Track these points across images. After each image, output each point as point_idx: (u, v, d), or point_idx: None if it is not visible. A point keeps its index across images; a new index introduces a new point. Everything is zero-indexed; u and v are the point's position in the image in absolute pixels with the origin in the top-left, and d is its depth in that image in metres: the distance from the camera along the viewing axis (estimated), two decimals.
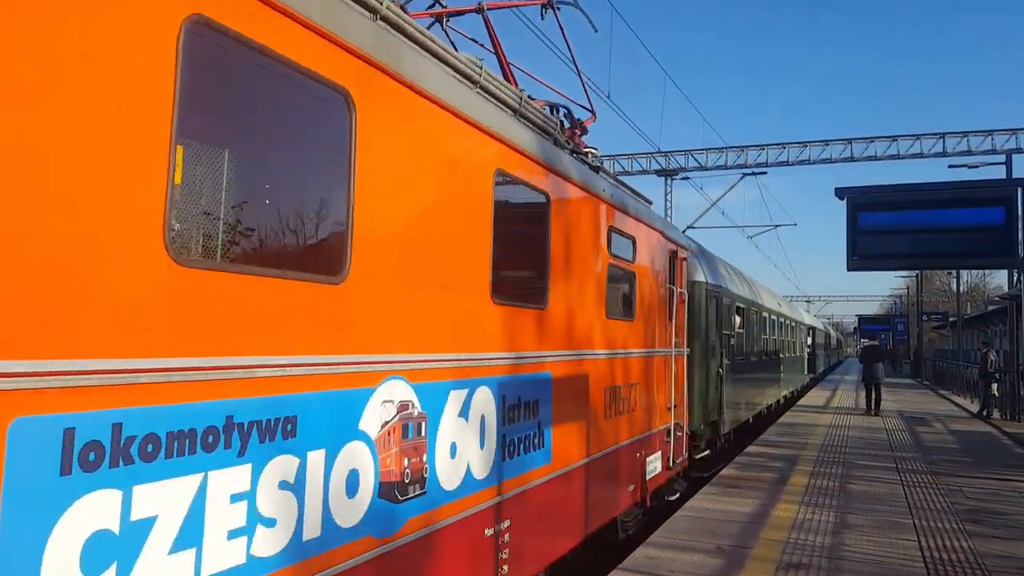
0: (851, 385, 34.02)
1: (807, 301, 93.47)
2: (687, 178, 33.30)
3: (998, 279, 67.15)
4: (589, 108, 7.94)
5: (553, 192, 5.75)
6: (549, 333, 5.63)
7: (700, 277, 11.90)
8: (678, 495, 9.93)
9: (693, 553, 6.66)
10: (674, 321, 9.29)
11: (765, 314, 19.33)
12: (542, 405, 5.51)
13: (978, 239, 9.07)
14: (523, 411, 5.20)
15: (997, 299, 40.76)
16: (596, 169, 7.26)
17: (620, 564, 6.38)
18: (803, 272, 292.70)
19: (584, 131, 7.53)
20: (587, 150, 7.35)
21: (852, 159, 31.22)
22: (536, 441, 5.41)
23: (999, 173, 24.34)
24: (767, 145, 32.47)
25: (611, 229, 7.08)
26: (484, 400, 4.66)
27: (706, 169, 33.67)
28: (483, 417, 4.66)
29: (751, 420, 16.55)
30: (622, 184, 8.41)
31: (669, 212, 34.96)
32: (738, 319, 14.91)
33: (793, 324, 26.81)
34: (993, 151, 28.79)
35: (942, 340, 64.04)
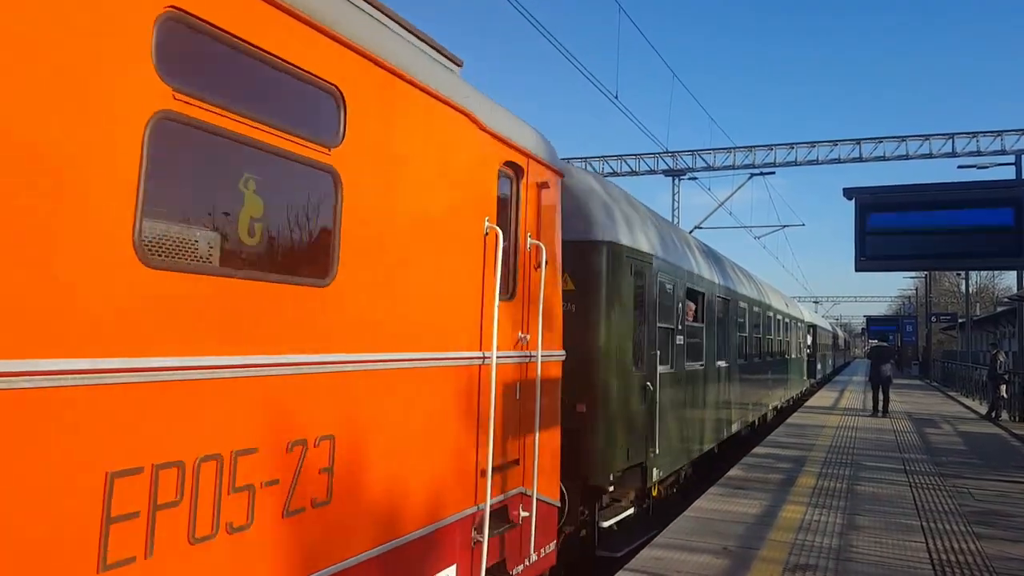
0: (859, 387, 33.91)
1: (815, 301, 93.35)
2: (695, 178, 33.28)
3: (1007, 280, 66.97)
4: None
5: None
6: None
7: (613, 236, 7.61)
8: None
9: (699, 554, 6.66)
10: (515, 296, 5.26)
11: (744, 304, 14.81)
12: None
13: (987, 240, 9.02)
14: None
15: (1006, 300, 40.58)
16: None
17: (626, 565, 6.39)
18: (811, 273, 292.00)
19: None
20: None
21: (861, 159, 31.12)
22: None
23: (1008, 174, 24.29)
24: (775, 145, 32.42)
25: (193, 24, 2.71)
26: None
27: (714, 169, 33.63)
28: None
29: (715, 450, 12.36)
30: None
31: (677, 212, 34.94)
32: (691, 306, 10.86)
33: (786, 319, 22.34)
34: (1003, 152, 28.64)
35: (950, 341, 63.78)
